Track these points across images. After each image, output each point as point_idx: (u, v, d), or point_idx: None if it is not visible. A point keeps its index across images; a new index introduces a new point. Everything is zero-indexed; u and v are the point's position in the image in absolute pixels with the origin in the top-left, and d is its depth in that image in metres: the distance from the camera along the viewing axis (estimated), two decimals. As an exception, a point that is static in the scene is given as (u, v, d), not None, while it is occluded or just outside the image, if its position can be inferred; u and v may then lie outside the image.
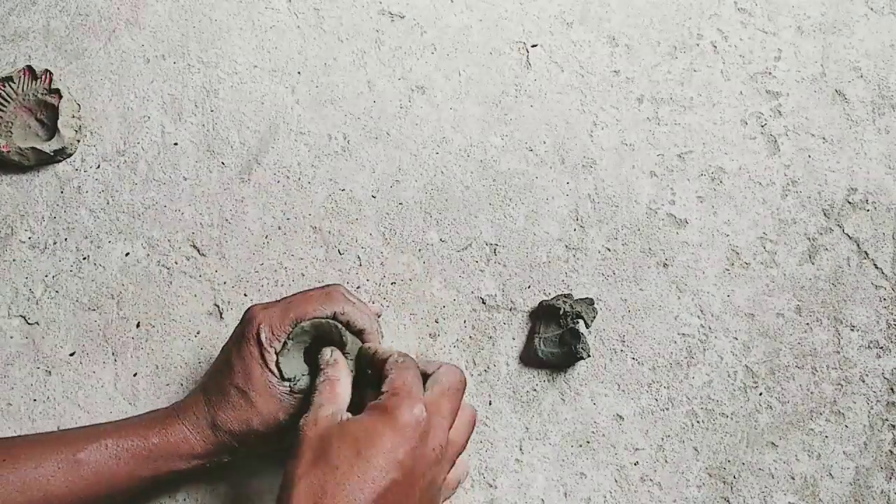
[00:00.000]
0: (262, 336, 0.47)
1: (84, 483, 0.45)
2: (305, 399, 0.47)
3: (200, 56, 0.65)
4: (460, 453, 0.45)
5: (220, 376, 0.48)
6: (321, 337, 0.49)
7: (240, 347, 0.47)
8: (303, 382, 0.48)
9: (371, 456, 0.39)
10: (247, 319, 0.48)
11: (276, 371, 0.47)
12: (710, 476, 0.54)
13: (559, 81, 0.63)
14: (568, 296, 0.56)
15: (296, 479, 0.39)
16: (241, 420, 0.47)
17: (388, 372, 0.44)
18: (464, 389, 0.45)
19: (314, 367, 0.48)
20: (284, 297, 0.50)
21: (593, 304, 0.56)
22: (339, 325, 0.48)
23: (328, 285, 0.50)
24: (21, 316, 0.59)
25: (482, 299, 0.58)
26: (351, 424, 0.41)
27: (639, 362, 0.56)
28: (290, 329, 0.47)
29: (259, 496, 0.54)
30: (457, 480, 0.47)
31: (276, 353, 0.47)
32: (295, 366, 0.48)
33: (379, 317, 0.54)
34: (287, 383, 0.47)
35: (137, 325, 0.58)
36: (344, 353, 0.48)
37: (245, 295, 0.58)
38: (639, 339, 0.57)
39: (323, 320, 0.48)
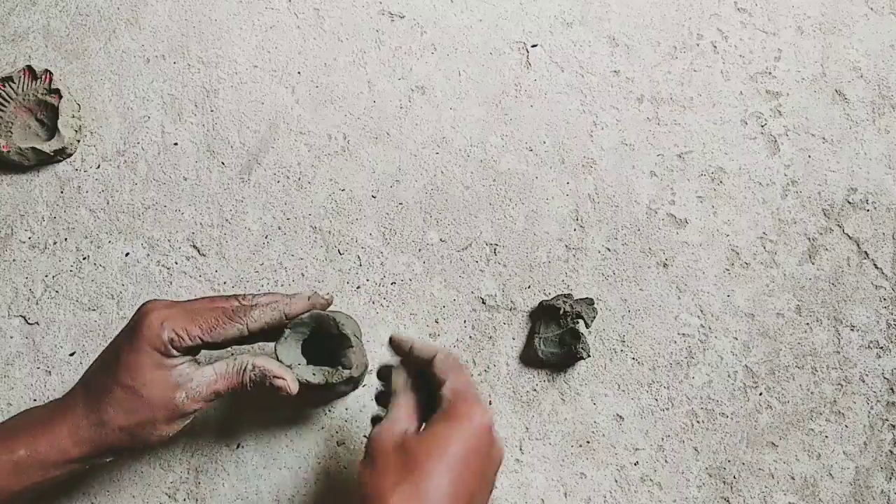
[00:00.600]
0: (165, 335, 0.44)
1: None
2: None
3: (200, 56, 0.65)
4: None
5: (105, 373, 0.45)
6: (319, 327, 0.49)
7: (132, 342, 0.44)
8: (301, 372, 0.48)
9: (457, 461, 0.39)
10: (143, 313, 0.45)
11: (177, 364, 0.45)
12: (710, 476, 0.54)
13: (559, 81, 0.63)
14: (568, 296, 0.56)
15: (385, 493, 0.39)
16: (129, 415, 0.44)
17: (442, 373, 0.44)
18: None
19: (313, 357, 0.49)
20: (186, 301, 0.47)
21: (593, 304, 0.56)
22: (336, 320, 0.49)
23: (229, 297, 0.48)
24: (21, 316, 0.59)
25: (482, 299, 0.58)
26: (430, 435, 0.41)
27: (639, 362, 0.56)
28: (192, 341, 0.45)
29: (259, 496, 0.54)
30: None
31: (180, 353, 0.45)
32: (293, 356, 0.49)
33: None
34: (180, 360, 0.45)
35: (137, 325, 0.58)
36: (345, 346, 0.49)
37: (245, 295, 0.58)
38: (639, 339, 0.57)
39: (323, 313, 0.49)
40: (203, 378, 0.45)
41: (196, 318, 0.45)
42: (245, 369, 0.46)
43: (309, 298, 0.48)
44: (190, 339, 0.44)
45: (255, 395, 0.47)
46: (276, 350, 0.48)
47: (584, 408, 0.55)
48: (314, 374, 0.49)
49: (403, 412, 0.44)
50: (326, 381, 0.48)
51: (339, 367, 0.49)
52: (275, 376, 0.46)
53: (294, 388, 0.47)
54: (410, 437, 0.41)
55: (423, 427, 0.43)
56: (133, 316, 0.46)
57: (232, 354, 0.52)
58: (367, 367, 0.53)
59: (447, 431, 0.41)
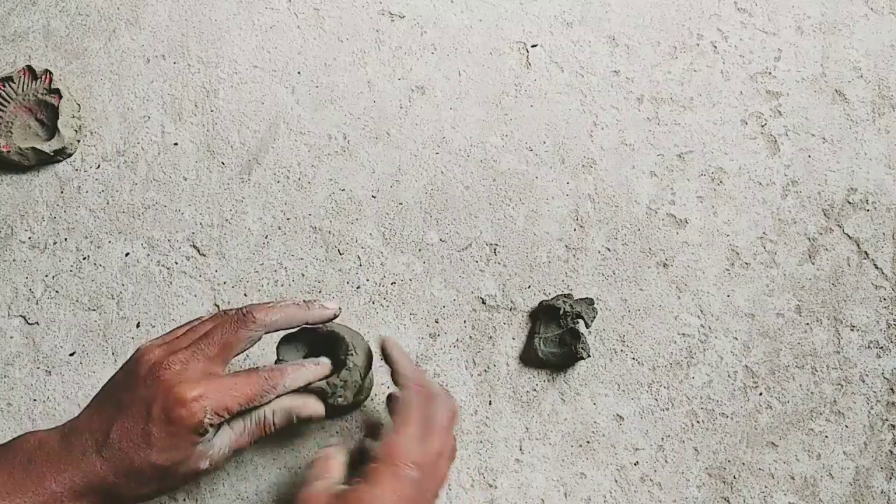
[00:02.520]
0: (206, 421, 0.41)
1: None
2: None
3: (200, 56, 0.65)
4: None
5: (133, 450, 0.41)
6: (325, 342, 0.49)
7: (168, 426, 0.41)
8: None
9: None
10: (177, 396, 0.41)
11: (207, 437, 0.43)
12: (710, 476, 0.54)
13: (559, 81, 0.63)
14: (568, 296, 0.56)
15: None
16: (151, 487, 0.42)
17: (395, 411, 0.45)
18: (455, 418, 0.47)
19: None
20: (222, 376, 0.44)
21: (593, 304, 0.56)
22: (348, 341, 0.49)
23: (257, 371, 0.45)
24: (21, 316, 0.59)
25: (482, 299, 0.58)
26: (347, 497, 0.41)
27: (639, 362, 0.56)
28: (229, 416, 0.43)
29: (259, 496, 0.54)
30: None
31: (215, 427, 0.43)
32: (292, 356, 0.49)
33: (334, 318, 0.50)
34: (208, 439, 0.43)
35: (137, 325, 0.58)
36: (347, 363, 0.48)
37: (245, 295, 0.58)
38: (639, 339, 0.57)
39: (334, 331, 0.49)
40: (224, 441, 0.44)
41: (233, 393, 0.43)
42: (265, 419, 0.45)
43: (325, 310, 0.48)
44: (228, 415, 0.43)
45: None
46: (277, 349, 0.48)
47: (584, 408, 0.55)
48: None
49: (319, 468, 0.44)
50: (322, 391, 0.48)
51: (332, 387, 0.48)
52: (303, 407, 0.46)
53: (322, 410, 0.47)
54: (331, 497, 0.42)
55: (349, 484, 0.43)
56: (147, 380, 0.43)
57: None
58: (362, 385, 0.51)
59: (370, 492, 0.41)
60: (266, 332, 0.45)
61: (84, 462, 0.41)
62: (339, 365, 0.48)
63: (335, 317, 0.49)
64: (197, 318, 0.47)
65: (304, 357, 0.50)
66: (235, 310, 0.46)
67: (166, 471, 0.42)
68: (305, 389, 0.47)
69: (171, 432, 0.41)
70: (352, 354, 0.48)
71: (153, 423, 0.41)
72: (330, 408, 0.48)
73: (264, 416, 0.45)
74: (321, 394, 0.47)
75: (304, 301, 0.48)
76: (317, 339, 0.50)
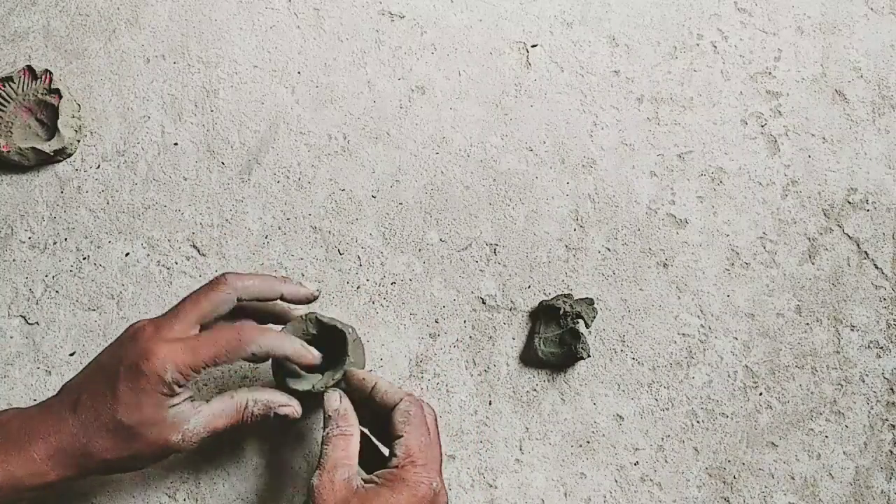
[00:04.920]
0: (168, 376, 0.42)
1: None
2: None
3: (200, 56, 0.65)
4: None
5: (99, 404, 0.42)
6: (323, 333, 0.49)
7: (134, 381, 0.42)
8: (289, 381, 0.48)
9: None
10: (143, 350, 0.42)
11: (176, 402, 0.43)
12: (710, 476, 0.54)
13: (559, 81, 0.63)
14: (568, 296, 0.56)
15: None
16: (120, 450, 0.43)
17: (399, 428, 0.44)
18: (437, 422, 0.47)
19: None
20: (186, 336, 0.44)
21: (593, 304, 0.56)
22: (347, 331, 0.49)
23: (231, 326, 0.46)
24: (21, 316, 0.59)
25: (482, 299, 0.58)
26: (370, 495, 0.41)
27: (639, 362, 0.56)
28: (197, 375, 0.43)
29: (259, 496, 0.54)
30: None
31: (180, 387, 0.43)
32: None
33: (311, 299, 0.50)
34: (177, 400, 0.43)
35: (137, 325, 0.58)
36: (344, 358, 0.48)
37: (245, 295, 0.58)
38: (639, 339, 0.57)
39: (330, 323, 0.49)
40: (200, 418, 0.44)
41: (199, 350, 0.43)
42: (246, 407, 0.45)
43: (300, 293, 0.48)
44: (195, 373, 0.43)
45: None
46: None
47: (584, 408, 0.55)
48: (303, 380, 0.48)
49: (342, 452, 0.43)
50: (313, 387, 0.48)
51: (323, 375, 0.48)
52: (280, 405, 0.46)
53: (299, 411, 0.47)
54: (351, 496, 0.41)
55: (367, 481, 0.42)
56: (126, 342, 0.44)
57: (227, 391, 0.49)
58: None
59: (391, 498, 0.41)
60: (240, 298, 0.46)
61: (58, 422, 0.43)
62: (337, 359, 0.48)
63: (314, 298, 0.49)
64: None
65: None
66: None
67: (133, 431, 0.42)
68: (297, 393, 0.47)
69: (136, 388, 0.42)
70: (348, 356, 0.48)
71: (120, 380, 0.42)
72: (315, 396, 0.48)
73: (245, 404, 0.45)
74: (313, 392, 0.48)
75: (283, 276, 0.48)
76: (317, 332, 0.50)
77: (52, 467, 0.42)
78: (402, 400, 0.46)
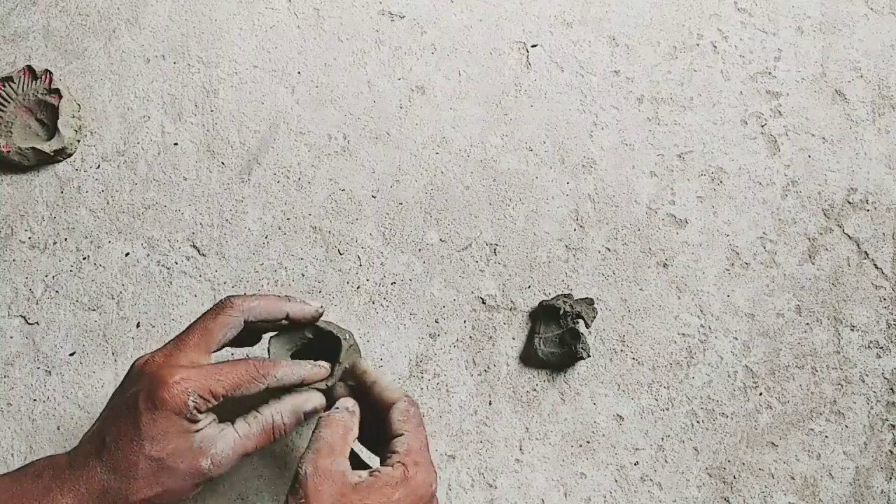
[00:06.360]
0: (190, 401, 0.41)
1: None
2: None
3: (200, 56, 0.65)
4: None
5: (127, 445, 0.41)
6: (320, 338, 0.49)
7: (155, 411, 0.41)
8: None
9: None
10: (159, 379, 0.42)
11: (201, 427, 0.43)
12: (710, 476, 0.54)
13: (559, 81, 0.63)
14: (568, 296, 0.56)
15: None
16: (154, 486, 0.42)
17: (398, 427, 0.44)
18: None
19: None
20: (207, 363, 0.44)
21: (593, 304, 0.56)
22: (345, 338, 0.48)
23: (245, 359, 0.45)
24: (21, 316, 0.59)
25: (482, 299, 0.58)
26: (369, 490, 0.41)
27: (639, 362, 0.56)
28: (216, 401, 0.43)
29: (259, 496, 0.54)
30: None
31: (203, 415, 0.43)
32: (282, 355, 0.48)
33: (317, 317, 0.49)
34: (200, 427, 0.42)
35: (137, 325, 0.58)
36: (337, 365, 0.48)
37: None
38: (639, 339, 0.57)
39: (326, 328, 0.48)
40: (227, 442, 0.43)
41: (218, 377, 0.42)
42: (273, 423, 0.45)
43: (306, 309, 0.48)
44: (215, 399, 0.42)
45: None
46: (269, 341, 0.48)
47: (584, 408, 0.55)
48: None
49: (340, 439, 0.42)
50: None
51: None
52: (304, 402, 0.45)
53: (323, 400, 0.47)
54: (347, 486, 0.40)
55: (363, 474, 0.42)
56: (136, 378, 0.43)
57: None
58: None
59: (392, 495, 0.40)
60: (247, 320, 0.45)
61: (86, 471, 0.41)
62: (332, 365, 0.48)
63: (319, 315, 0.48)
64: None
65: (292, 353, 0.49)
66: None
67: (163, 464, 0.41)
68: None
69: (158, 418, 0.41)
70: (340, 362, 0.48)
71: (140, 414, 0.41)
72: None
73: (272, 419, 0.44)
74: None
75: (286, 295, 0.48)
76: (313, 336, 0.50)
77: None
78: (400, 400, 0.45)
